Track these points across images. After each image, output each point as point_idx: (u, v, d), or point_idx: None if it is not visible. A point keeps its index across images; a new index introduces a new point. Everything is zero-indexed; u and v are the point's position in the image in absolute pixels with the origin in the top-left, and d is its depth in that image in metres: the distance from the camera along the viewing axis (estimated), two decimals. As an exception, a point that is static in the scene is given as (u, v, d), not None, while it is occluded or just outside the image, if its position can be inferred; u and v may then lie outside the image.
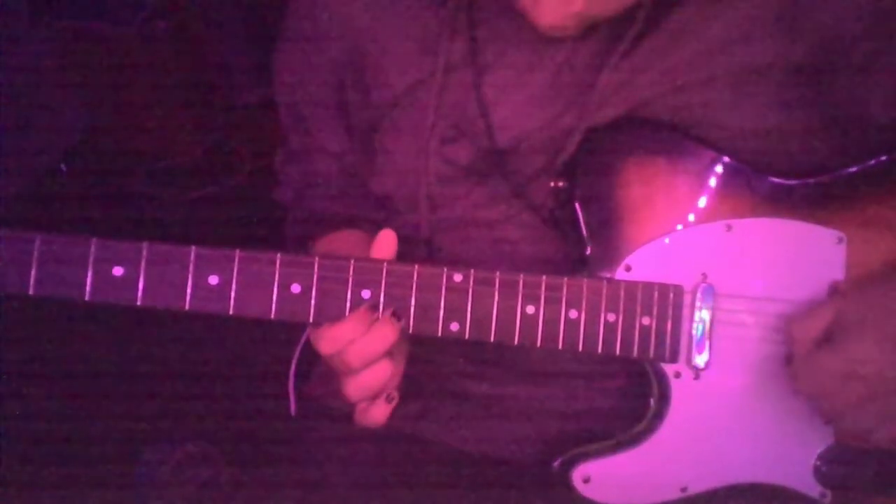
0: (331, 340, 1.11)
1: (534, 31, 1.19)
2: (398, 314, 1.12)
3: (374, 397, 1.15)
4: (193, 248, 1.10)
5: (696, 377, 1.17)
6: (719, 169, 1.18)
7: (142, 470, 2.40)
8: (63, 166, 3.25)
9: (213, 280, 1.10)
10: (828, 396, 1.09)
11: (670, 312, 1.16)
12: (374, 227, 1.36)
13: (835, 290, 1.16)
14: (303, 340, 1.63)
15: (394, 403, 1.17)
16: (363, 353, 1.11)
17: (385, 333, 1.11)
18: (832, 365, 1.07)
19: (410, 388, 1.32)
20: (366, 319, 1.11)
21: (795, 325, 1.12)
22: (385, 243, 1.14)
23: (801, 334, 1.11)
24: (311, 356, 1.57)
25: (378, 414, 1.16)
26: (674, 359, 1.16)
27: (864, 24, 1.18)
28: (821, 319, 1.10)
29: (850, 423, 1.10)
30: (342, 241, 1.40)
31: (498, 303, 1.13)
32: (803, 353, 1.10)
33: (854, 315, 1.08)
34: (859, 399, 1.07)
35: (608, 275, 1.16)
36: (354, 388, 1.14)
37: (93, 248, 1.09)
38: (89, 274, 1.09)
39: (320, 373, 1.52)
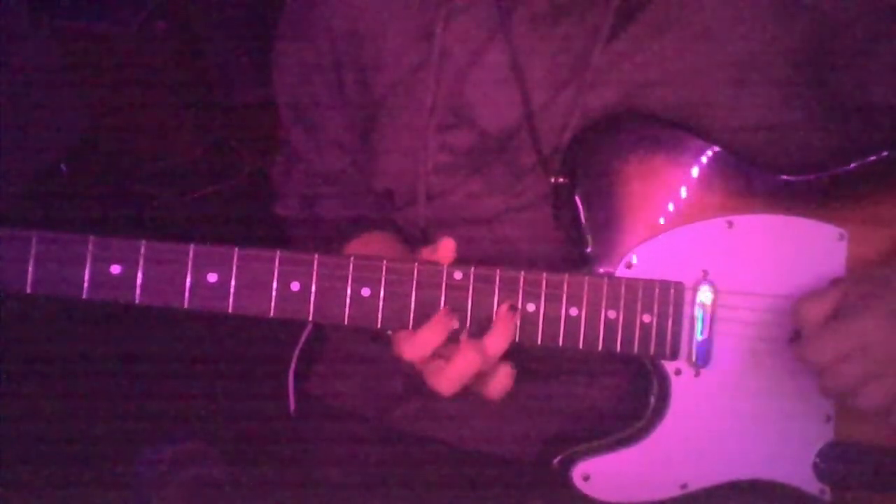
0: (414, 347, 1.11)
1: (530, 13, 1.20)
2: (514, 306, 1.12)
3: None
4: (192, 246, 1.10)
5: (697, 374, 1.17)
6: (720, 165, 1.18)
7: (139, 468, 2.39)
8: (63, 166, 3.24)
9: (212, 278, 1.10)
10: (836, 372, 1.08)
11: (671, 310, 1.16)
12: (384, 227, 1.36)
13: (841, 279, 1.16)
14: (303, 339, 1.63)
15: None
16: (456, 378, 1.12)
17: (470, 356, 1.11)
18: (841, 340, 1.07)
19: (410, 387, 1.32)
20: (446, 326, 1.11)
21: (804, 303, 1.11)
22: (445, 249, 1.14)
23: (810, 311, 1.10)
24: (311, 355, 1.57)
25: (502, 383, 1.16)
26: (674, 356, 1.16)
27: (860, 7, 1.19)
28: (830, 298, 1.10)
29: (857, 401, 1.09)
30: (368, 244, 1.39)
31: (498, 300, 1.13)
32: (812, 329, 1.10)
33: (862, 293, 1.08)
34: (867, 374, 1.07)
35: (609, 272, 1.16)
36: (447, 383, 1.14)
37: (90, 247, 1.08)
38: (87, 272, 1.08)
39: (320, 372, 1.52)
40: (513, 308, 1.12)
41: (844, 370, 1.07)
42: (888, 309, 1.07)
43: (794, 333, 1.13)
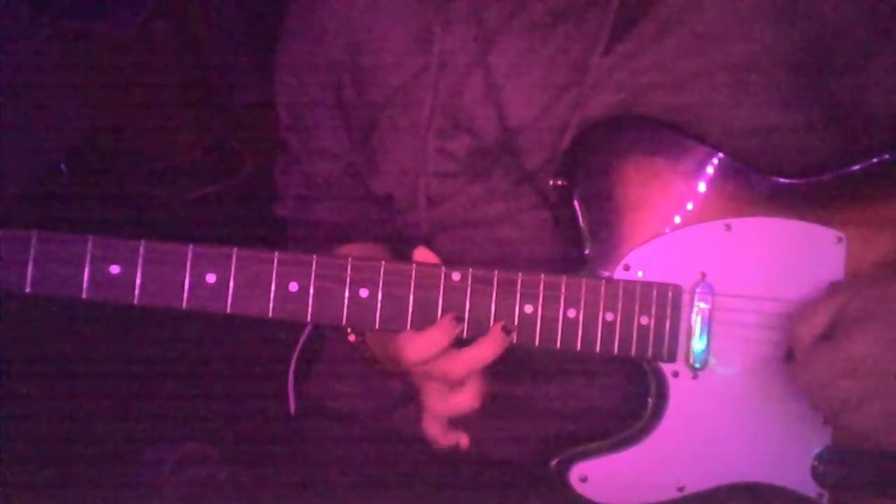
0: (416, 349, 1.12)
1: (528, 19, 1.19)
2: (508, 328, 1.13)
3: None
4: (191, 246, 1.10)
5: (694, 377, 1.17)
6: (719, 168, 1.18)
7: (141, 470, 2.40)
8: (63, 166, 3.24)
9: (211, 279, 1.10)
10: (828, 394, 1.07)
11: (669, 312, 1.16)
12: (377, 237, 1.37)
13: (835, 287, 1.15)
14: (302, 340, 1.63)
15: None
16: (467, 367, 1.12)
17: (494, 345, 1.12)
18: (833, 361, 1.06)
19: (411, 388, 1.32)
20: (452, 331, 1.11)
21: (796, 322, 1.11)
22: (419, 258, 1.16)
23: (801, 331, 1.09)
24: (311, 356, 1.57)
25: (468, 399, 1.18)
26: (672, 358, 1.16)
27: (859, 10, 1.19)
28: (822, 316, 1.09)
29: (851, 422, 1.09)
30: (359, 252, 1.39)
31: (496, 302, 1.13)
32: (804, 350, 1.09)
33: (856, 312, 1.07)
34: (859, 397, 1.06)
35: (607, 274, 1.16)
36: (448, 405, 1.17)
37: (90, 247, 1.09)
38: (86, 272, 1.09)
39: (320, 372, 1.52)
40: (506, 330, 1.12)
41: (833, 392, 1.07)
42: (882, 326, 1.05)
43: (789, 352, 1.13)
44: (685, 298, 1.16)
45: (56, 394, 2.51)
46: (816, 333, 1.09)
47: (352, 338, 1.31)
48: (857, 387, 1.06)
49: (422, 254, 1.15)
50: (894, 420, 1.07)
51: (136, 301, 1.10)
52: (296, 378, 1.58)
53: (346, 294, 1.11)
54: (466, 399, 1.16)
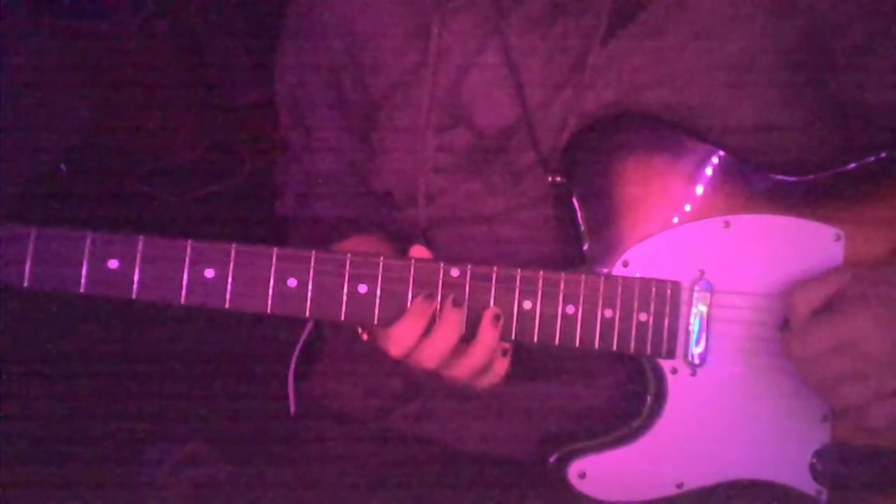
0: (397, 341, 1.12)
1: (526, 14, 1.20)
2: (458, 300, 1.13)
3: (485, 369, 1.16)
4: (189, 241, 1.11)
5: (693, 373, 1.17)
6: (718, 165, 1.19)
7: (141, 469, 2.40)
8: (63, 166, 3.24)
9: (209, 274, 1.10)
10: (819, 367, 1.08)
11: (667, 309, 1.16)
12: (378, 230, 1.37)
13: (838, 269, 1.15)
14: (302, 340, 1.63)
15: (509, 355, 1.17)
16: (438, 353, 1.12)
17: (451, 323, 1.12)
18: (828, 335, 1.06)
19: (410, 388, 1.32)
20: (425, 312, 1.12)
21: (797, 292, 1.10)
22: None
23: (800, 302, 1.10)
24: (311, 356, 1.57)
25: (500, 369, 1.17)
26: (671, 355, 1.16)
27: (857, 8, 1.19)
28: (823, 290, 1.09)
29: (838, 400, 1.09)
30: (360, 245, 1.39)
31: (495, 298, 1.13)
32: (800, 321, 1.09)
33: (857, 292, 1.07)
34: (852, 373, 1.06)
35: (606, 271, 1.16)
36: (464, 368, 1.15)
37: (88, 242, 1.09)
38: (84, 267, 1.09)
39: (320, 372, 1.52)
40: (496, 318, 1.13)
41: (824, 365, 1.07)
42: (881, 310, 1.06)
43: (784, 322, 1.13)
44: (684, 295, 1.16)
45: (57, 394, 2.50)
46: (815, 306, 1.09)
47: (364, 336, 1.31)
48: (849, 364, 1.06)
49: (418, 251, 1.15)
50: (881, 401, 1.07)
51: (134, 296, 1.10)
52: (296, 378, 1.58)
53: (345, 290, 1.12)
54: (498, 371, 1.17)
